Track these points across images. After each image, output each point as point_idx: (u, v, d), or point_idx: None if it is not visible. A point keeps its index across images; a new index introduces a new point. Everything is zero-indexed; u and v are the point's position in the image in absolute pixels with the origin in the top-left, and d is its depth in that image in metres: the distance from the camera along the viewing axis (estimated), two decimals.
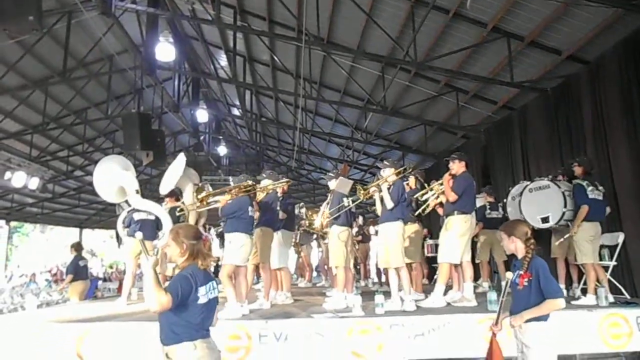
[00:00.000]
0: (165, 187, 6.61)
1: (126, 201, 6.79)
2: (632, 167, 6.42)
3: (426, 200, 6.66)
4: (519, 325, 3.20)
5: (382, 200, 5.68)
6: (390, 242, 5.55)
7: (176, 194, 7.05)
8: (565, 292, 6.11)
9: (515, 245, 3.31)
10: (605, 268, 5.95)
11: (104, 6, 7.23)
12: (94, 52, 10.92)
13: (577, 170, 5.97)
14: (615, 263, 6.12)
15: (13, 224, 23.26)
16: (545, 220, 6.14)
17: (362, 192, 5.96)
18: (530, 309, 3.13)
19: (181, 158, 6.63)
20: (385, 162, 6.01)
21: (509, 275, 3.17)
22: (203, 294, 2.82)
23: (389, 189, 5.63)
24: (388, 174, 5.84)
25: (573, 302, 5.40)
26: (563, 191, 6.10)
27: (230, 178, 14.69)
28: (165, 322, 2.81)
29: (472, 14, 7.51)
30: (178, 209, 6.92)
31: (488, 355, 3.31)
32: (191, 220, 7.00)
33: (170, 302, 2.66)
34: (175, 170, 6.52)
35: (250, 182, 5.98)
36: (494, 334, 3.29)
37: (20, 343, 4.42)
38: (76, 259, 8.94)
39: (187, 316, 2.78)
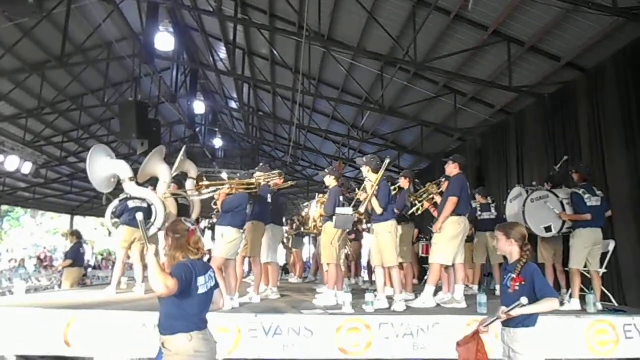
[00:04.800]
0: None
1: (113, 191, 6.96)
2: (627, 175, 6.46)
3: (420, 201, 6.66)
4: (508, 331, 3.16)
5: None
6: (383, 241, 5.53)
7: (180, 181, 7.11)
8: None
9: (512, 248, 3.25)
10: None
11: None
12: (92, 39, 10.83)
13: (575, 177, 5.98)
14: (605, 270, 6.14)
15: (4, 208, 23.10)
16: (548, 229, 6.12)
17: (362, 216, 6.06)
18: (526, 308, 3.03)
19: (183, 151, 6.86)
20: (363, 159, 5.82)
21: (524, 300, 2.99)
22: (202, 284, 2.88)
23: (375, 193, 5.49)
24: (365, 172, 5.72)
25: (559, 308, 5.42)
26: (561, 200, 6.05)
27: (224, 171, 14.65)
28: (164, 313, 2.86)
29: (473, 17, 7.52)
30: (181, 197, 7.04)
31: (465, 346, 3.25)
32: (196, 207, 7.10)
33: (176, 285, 2.70)
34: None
35: (252, 181, 6.00)
36: (479, 331, 3.23)
37: (8, 327, 4.39)
38: (77, 245, 8.94)
39: (186, 307, 2.82)
